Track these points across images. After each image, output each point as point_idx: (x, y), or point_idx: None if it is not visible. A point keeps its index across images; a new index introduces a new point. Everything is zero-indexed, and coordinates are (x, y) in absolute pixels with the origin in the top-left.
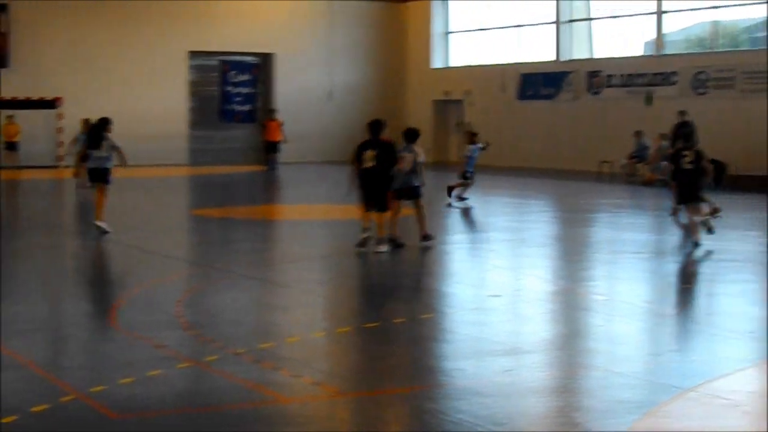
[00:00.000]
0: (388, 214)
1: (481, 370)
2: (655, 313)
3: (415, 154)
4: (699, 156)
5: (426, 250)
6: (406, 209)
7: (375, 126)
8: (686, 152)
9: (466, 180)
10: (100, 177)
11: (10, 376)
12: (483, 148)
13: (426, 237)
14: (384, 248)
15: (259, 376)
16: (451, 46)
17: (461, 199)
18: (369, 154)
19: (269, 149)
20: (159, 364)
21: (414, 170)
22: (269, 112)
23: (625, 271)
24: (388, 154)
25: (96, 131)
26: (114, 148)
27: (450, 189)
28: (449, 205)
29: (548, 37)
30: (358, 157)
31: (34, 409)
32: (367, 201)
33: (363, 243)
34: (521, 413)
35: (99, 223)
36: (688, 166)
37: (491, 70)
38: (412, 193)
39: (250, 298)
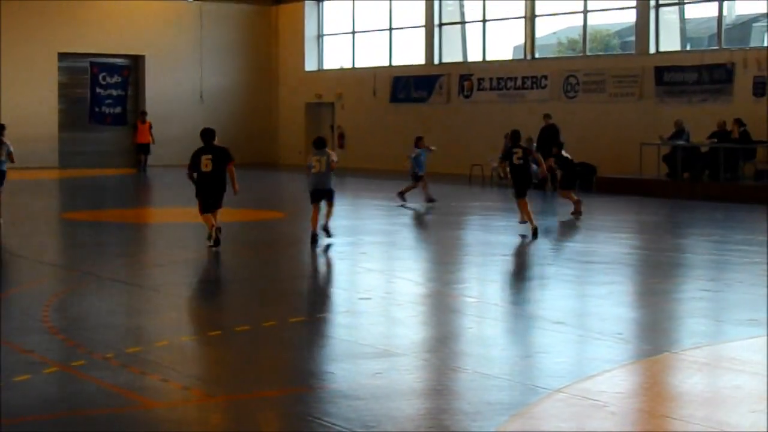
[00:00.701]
0: (216, 216)
1: (352, 373)
2: (523, 315)
3: (327, 156)
4: (526, 153)
5: (303, 252)
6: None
7: (207, 134)
8: (516, 149)
9: (416, 182)
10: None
11: None
12: (431, 150)
13: (327, 230)
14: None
15: (127, 380)
16: (325, 49)
17: (403, 198)
18: (205, 159)
19: (140, 151)
20: (26, 369)
21: (327, 173)
22: (141, 114)
23: (495, 274)
24: (221, 158)
25: None
26: (10, 152)
27: (401, 193)
28: (402, 206)
29: (420, 40)
30: (195, 163)
31: None
32: (205, 202)
33: (217, 240)
34: (390, 416)
35: None
36: (518, 162)
37: (363, 72)
38: (328, 195)
39: (118, 302)
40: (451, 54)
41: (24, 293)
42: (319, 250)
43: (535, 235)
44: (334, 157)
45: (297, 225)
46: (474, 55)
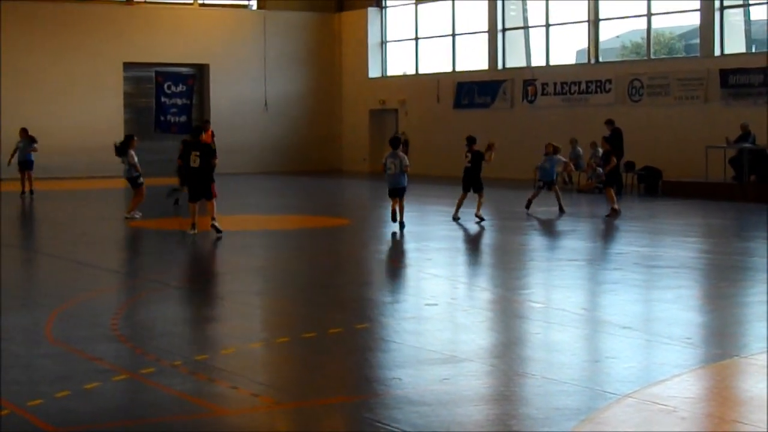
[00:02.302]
0: (213, 202)
1: (418, 379)
2: (591, 320)
3: (401, 160)
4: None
5: (368, 258)
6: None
7: (197, 130)
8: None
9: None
10: None
11: None
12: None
13: (402, 223)
14: (194, 231)
15: (196, 387)
16: (388, 55)
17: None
18: (194, 155)
19: None
20: (95, 377)
21: (401, 174)
22: (204, 122)
23: (561, 279)
24: (207, 154)
25: None
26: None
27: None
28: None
29: (483, 45)
30: (185, 157)
31: None
32: (194, 193)
33: (218, 231)
34: (458, 422)
35: None
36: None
37: (427, 79)
38: (401, 192)
39: (184, 309)
40: (514, 59)
41: (92, 301)
42: (385, 257)
43: (615, 214)
44: (407, 161)
45: (362, 232)
46: (537, 60)
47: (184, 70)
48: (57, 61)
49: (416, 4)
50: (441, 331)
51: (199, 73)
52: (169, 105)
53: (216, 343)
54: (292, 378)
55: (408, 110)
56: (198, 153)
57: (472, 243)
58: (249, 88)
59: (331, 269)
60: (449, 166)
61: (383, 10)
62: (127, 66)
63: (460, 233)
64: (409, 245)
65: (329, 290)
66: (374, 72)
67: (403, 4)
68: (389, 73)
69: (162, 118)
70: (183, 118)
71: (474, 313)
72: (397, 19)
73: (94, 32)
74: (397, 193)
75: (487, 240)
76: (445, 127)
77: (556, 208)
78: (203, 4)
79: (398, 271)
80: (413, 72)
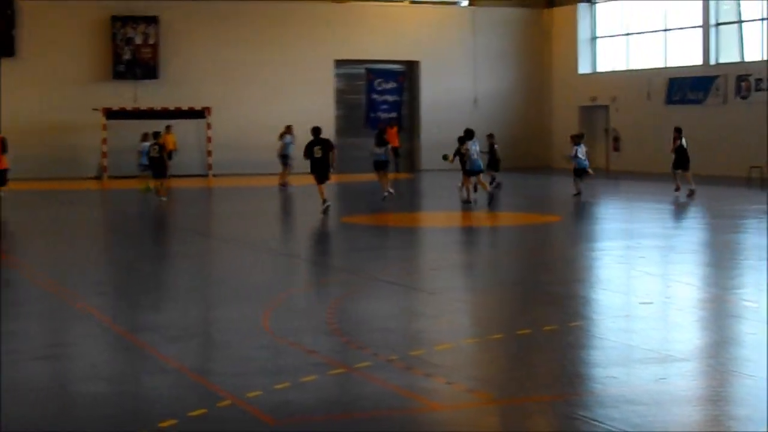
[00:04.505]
0: (325, 186)
1: (633, 378)
2: None
3: (475, 146)
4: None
5: (579, 255)
6: None
7: (317, 131)
8: None
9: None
10: None
11: (165, 382)
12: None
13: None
14: (328, 203)
15: (411, 382)
16: (598, 51)
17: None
18: (317, 148)
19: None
20: (312, 370)
21: (479, 156)
22: (390, 120)
23: None
24: (327, 147)
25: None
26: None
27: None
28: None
29: (696, 40)
30: (310, 151)
31: (192, 413)
32: (319, 177)
33: (326, 210)
34: (676, 422)
35: None
36: None
37: (638, 74)
38: (479, 172)
39: (399, 304)
40: (727, 54)
41: (307, 295)
42: (598, 254)
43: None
44: (477, 148)
45: (572, 228)
46: (752, 55)
47: (394, 67)
48: (270, 59)
49: None
50: (655, 329)
51: (410, 69)
52: (380, 101)
53: (430, 338)
54: (507, 374)
55: (618, 106)
56: (320, 147)
57: (686, 241)
58: (459, 85)
59: (541, 266)
60: (659, 163)
61: (593, 6)
62: (339, 63)
63: (672, 231)
64: (621, 242)
65: (541, 287)
66: (584, 68)
67: (614, 0)
68: (599, 69)
69: (372, 115)
70: (393, 114)
71: (688, 312)
72: (608, 14)
73: (307, 30)
74: (474, 173)
75: (700, 238)
76: (656, 124)
77: None
78: (414, 1)
79: (610, 269)
80: (624, 68)
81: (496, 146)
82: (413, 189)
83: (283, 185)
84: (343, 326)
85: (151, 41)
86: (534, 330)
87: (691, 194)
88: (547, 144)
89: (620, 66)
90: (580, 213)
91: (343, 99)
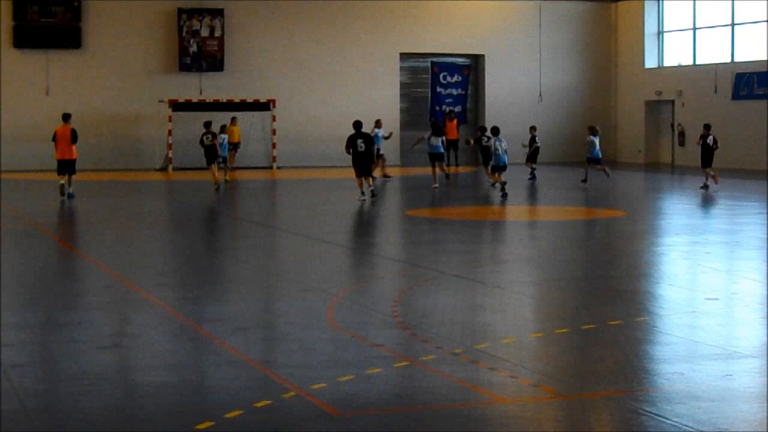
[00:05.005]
0: (370, 180)
1: (699, 374)
2: None
3: (501, 142)
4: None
5: (645, 250)
6: None
7: (358, 125)
8: None
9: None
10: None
11: (230, 373)
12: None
13: (503, 186)
14: (364, 197)
15: (476, 376)
16: (665, 46)
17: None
18: (359, 142)
19: (450, 148)
20: (377, 363)
21: (505, 152)
22: (449, 112)
23: None
24: (369, 141)
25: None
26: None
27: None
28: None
29: (763, 35)
30: (352, 144)
31: (258, 404)
32: (360, 171)
33: (372, 194)
34: (743, 419)
35: None
36: None
37: (704, 69)
38: (504, 168)
39: (462, 298)
40: None
41: (371, 288)
42: (663, 249)
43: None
44: (504, 144)
45: (638, 223)
46: None
47: (459, 60)
48: (335, 51)
49: None
50: (721, 326)
51: (475, 63)
52: (445, 95)
53: (495, 332)
54: (572, 369)
55: (684, 101)
56: (362, 140)
57: (752, 236)
58: (524, 79)
59: (607, 260)
60: (726, 159)
61: (660, 0)
62: (404, 56)
63: (740, 227)
64: (687, 238)
65: (606, 281)
66: (650, 62)
67: None
68: (666, 63)
69: (437, 108)
70: (458, 108)
71: (754, 309)
72: (675, 8)
73: (372, 23)
74: (499, 169)
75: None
76: (723, 119)
77: None
78: None
79: (676, 264)
80: (690, 62)
81: (537, 138)
82: (476, 182)
83: (386, 176)
84: (407, 319)
85: (216, 34)
86: (599, 325)
87: (705, 187)
88: (612, 138)
89: (686, 60)
90: (646, 208)
91: (407, 92)
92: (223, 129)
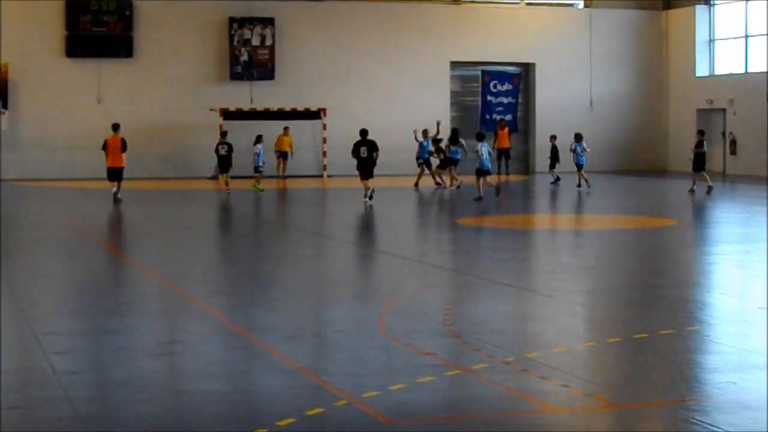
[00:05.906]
0: (372, 181)
1: (752, 384)
2: None
3: (486, 148)
4: None
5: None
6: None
7: (364, 132)
8: None
9: None
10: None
11: (282, 381)
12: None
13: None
14: (370, 201)
15: (528, 385)
16: (716, 54)
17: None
18: (363, 149)
19: (500, 156)
20: (428, 372)
21: (488, 158)
22: (499, 121)
23: None
24: (372, 148)
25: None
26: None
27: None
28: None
29: None
30: (357, 150)
31: (310, 412)
32: (364, 174)
33: (371, 197)
34: None
35: None
36: None
37: (756, 77)
38: (487, 172)
39: (513, 307)
40: None
41: (422, 296)
42: (715, 258)
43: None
44: (487, 149)
45: (688, 232)
46: None
47: (510, 68)
48: (385, 60)
49: (747, 1)
50: None
51: (525, 72)
52: (495, 103)
53: (546, 341)
54: (625, 378)
55: (736, 109)
56: (366, 147)
57: None
58: (574, 87)
59: (657, 270)
60: None
61: (711, 8)
62: (454, 65)
63: None
64: (739, 247)
65: (657, 291)
66: (702, 71)
67: (733, 2)
68: (717, 71)
69: (487, 117)
70: (509, 117)
71: None
72: (726, 16)
73: (422, 31)
74: (483, 173)
75: None
76: None
77: None
78: (529, 3)
79: (727, 273)
80: (742, 71)
81: (557, 146)
82: (526, 191)
83: (438, 185)
84: (458, 328)
85: (267, 42)
86: (651, 334)
87: (692, 191)
88: (664, 147)
89: (738, 69)
90: (697, 217)
91: (458, 101)
92: (258, 139)
